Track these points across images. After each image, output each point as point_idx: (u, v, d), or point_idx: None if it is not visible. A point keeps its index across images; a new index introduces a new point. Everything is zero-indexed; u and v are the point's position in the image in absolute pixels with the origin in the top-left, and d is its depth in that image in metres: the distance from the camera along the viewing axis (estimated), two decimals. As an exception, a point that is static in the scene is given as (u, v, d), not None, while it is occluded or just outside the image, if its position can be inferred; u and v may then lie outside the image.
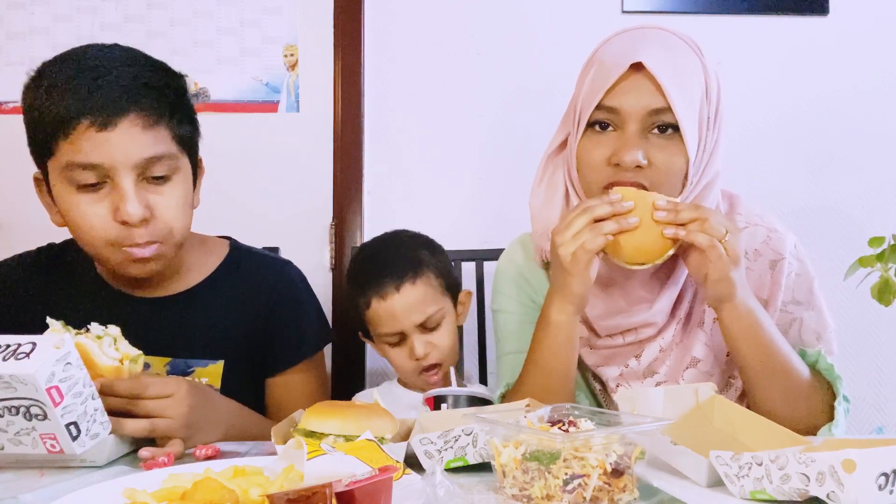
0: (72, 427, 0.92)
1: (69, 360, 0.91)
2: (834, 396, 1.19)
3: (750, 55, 2.03)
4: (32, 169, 1.22)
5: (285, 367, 1.36)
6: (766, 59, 2.05)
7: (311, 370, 1.39)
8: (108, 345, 1.06)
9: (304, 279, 1.44)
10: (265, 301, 1.35)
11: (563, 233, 1.12)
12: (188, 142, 1.22)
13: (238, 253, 1.40)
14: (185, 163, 1.21)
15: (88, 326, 1.06)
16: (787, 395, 1.15)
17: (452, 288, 1.54)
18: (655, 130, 1.18)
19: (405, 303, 1.44)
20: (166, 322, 1.29)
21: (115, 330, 1.07)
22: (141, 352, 1.09)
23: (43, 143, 1.15)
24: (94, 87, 1.11)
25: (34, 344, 0.90)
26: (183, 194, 1.20)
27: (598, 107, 1.18)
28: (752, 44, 2.04)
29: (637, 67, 1.16)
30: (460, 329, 1.67)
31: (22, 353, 0.89)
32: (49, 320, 1.06)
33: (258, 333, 1.33)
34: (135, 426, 1.03)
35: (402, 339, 1.47)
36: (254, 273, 1.37)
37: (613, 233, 1.09)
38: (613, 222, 1.09)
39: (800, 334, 1.26)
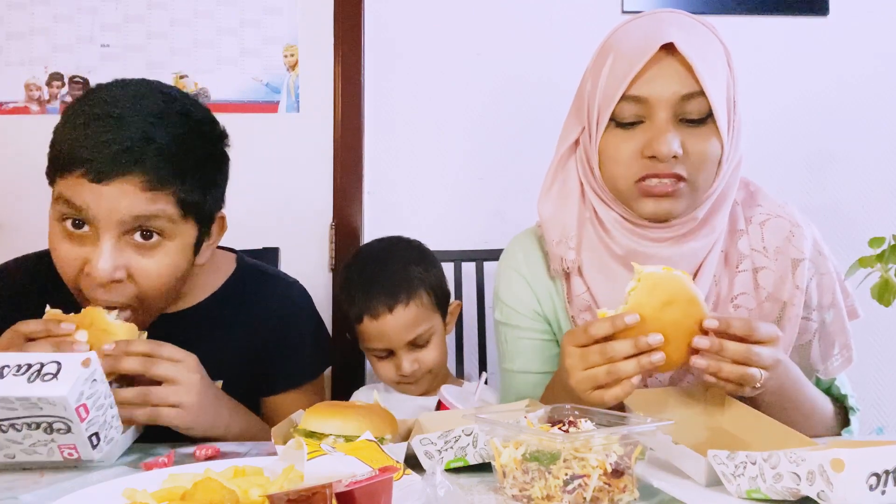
0: (93, 437, 0.92)
1: (95, 377, 0.91)
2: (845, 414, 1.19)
3: (750, 55, 2.03)
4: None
5: (281, 389, 1.34)
6: (766, 60, 2.05)
7: (307, 394, 1.36)
8: (115, 316, 1.09)
9: (308, 301, 1.41)
10: (267, 324, 1.32)
11: (576, 369, 0.99)
12: (196, 208, 1.14)
13: (243, 271, 1.37)
14: (186, 228, 1.14)
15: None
16: (809, 428, 1.09)
17: (443, 301, 1.52)
18: (686, 118, 1.11)
19: (396, 324, 1.42)
20: (170, 338, 1.23)
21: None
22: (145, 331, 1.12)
23: (49, 171, 1.13)
24: (100, 142, 1.06)
25: (59, 364, 0.88)
26: (171, 262, 1.13)
27: (624, 97, 1.11)
28: (752, 44, 2.04)
29: (664, 52, 1.10)
30: (460, 334, 1.67)
31: (48, 373, 0.87)
32: (48, 308, 1.07)
33: (257, 355, 1.31)
34: (144, 413, 1.05)
35: (389, 353, 1.47)
36: (258, 294, 1.35)
37: (638, 373, 0.96)
38: (635, 364, 0.96)
39: (819, 343, 1.19)
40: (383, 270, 1.46)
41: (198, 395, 1.07)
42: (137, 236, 1.10)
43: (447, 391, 1.33)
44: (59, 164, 1.09)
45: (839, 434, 1.18)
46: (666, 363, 0.96)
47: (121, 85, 1.15)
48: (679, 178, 1.10)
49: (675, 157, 1.09)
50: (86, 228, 1.09)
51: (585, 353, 0.99)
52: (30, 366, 0.88)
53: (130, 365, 1.03)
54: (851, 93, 2.06)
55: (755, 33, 2.05)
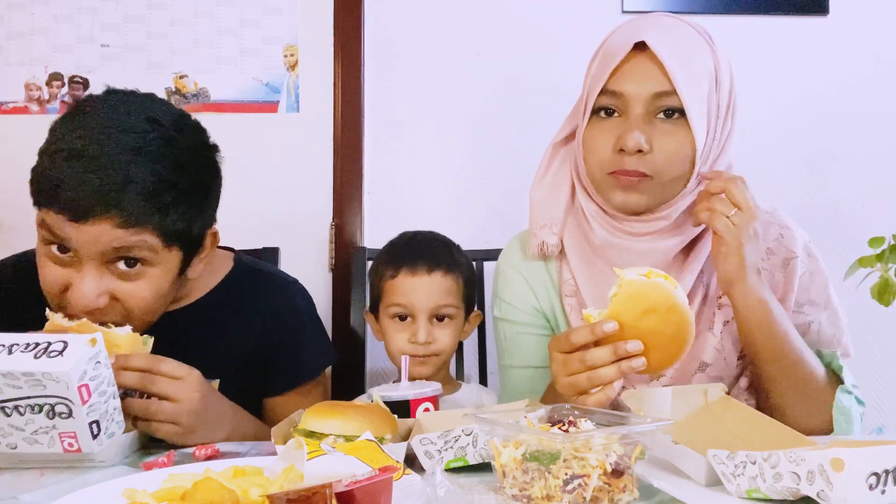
0: (94, 425, 0.92)
1: (99, 359, 0.92)
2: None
3: (750, 55, 2.02)
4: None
5: (282, 390, 1.33)
6: (766, 59, 2.05)
7: (309, 393, 1.35)
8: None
9: (308, 300, 1.40)
10: (265, 323, 1.32)
11: (560, 374, 1.02)
12: (179, 236, 1.13)
13: (241, 270, 1.36)
14: (170, 256, 1.14)
15: None
16: (801, 392, 1.13)
17: (470, 302, 1.60)
18: (661, 115, 1.15)
19: (430, 286, 1.50)
20: (166, 337, 1.22)
21: None
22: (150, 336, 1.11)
23: (32, 194, 1.12)
24: (78, 183, 1.05)
25: (65, 343, 0.90)
26: (155, 286, 1.13)
27: (603, 91, 1.16)
28: (752, 44, 2.04)
29: (641, 50, 1.14)
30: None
31: (54, 351, 0.89)
32: (48, 313, 1.07)
33: (256, 355, 1.31)
34: (142, 425, 1.04)
35: (408, 318, 1.52)
36: (256, 293, 1.34)
37: (618, 378, 0.98)
38: (615, 370, 0.98)
39: (818, 337, 1.23)
40: (433, 243, 1.60)
41: (196, 414, 1.06)
42: (121, 264, 1.10)
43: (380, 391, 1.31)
44: (40, 196, 1.09)
45: (831, 408, 1.17)
46: (648, 368, 0.98)
47: (108, 106, 1.12)
48: (642, 174, 1.15)
49: (640, 151, 1.13)
50: (70, 253, 1.09)
51: (568, 360, 1.01)
52: (38, 344, 0.90)
53: (128, 380, 1.02)
54: (851, 93, 2.06)
55: (755, 33, 2.05)
